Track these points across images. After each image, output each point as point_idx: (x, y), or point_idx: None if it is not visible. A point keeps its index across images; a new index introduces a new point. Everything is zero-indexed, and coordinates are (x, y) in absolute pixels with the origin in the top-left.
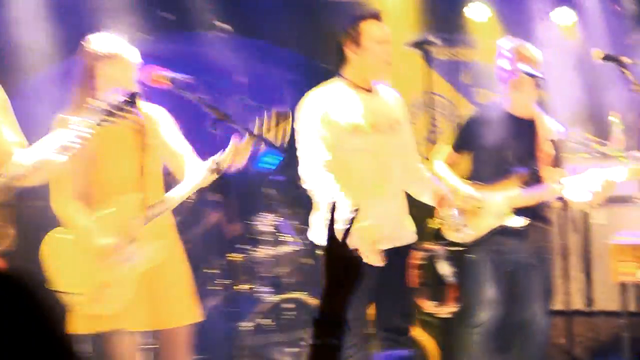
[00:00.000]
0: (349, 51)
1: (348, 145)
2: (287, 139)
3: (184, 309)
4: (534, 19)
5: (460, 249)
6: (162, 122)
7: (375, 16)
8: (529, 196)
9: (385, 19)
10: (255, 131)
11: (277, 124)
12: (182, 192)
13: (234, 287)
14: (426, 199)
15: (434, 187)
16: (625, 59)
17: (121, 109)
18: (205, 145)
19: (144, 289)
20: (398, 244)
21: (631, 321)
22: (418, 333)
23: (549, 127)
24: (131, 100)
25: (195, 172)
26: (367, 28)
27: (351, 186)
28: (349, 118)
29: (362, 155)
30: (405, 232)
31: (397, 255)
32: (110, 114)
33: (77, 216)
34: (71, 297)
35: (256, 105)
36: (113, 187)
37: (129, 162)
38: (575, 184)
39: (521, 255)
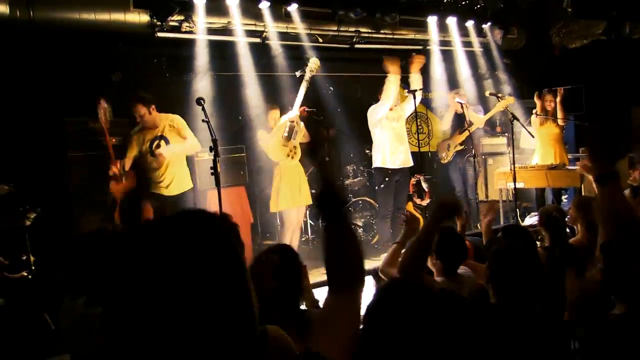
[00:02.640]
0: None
1: (385, 124)
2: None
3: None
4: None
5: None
6: (302, 124)
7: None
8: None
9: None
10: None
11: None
12: None
13: None
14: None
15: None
16: (500, 95)
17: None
18: None
19: (296, 195)
20: (406, 166)
21: (503, 203)
22: (415, 212)
23: (471, 113)
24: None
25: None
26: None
27: (388, 142)
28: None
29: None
30: (409, 160)
31: (405, 173)
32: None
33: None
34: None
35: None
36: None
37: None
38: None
39: (465, 168)
